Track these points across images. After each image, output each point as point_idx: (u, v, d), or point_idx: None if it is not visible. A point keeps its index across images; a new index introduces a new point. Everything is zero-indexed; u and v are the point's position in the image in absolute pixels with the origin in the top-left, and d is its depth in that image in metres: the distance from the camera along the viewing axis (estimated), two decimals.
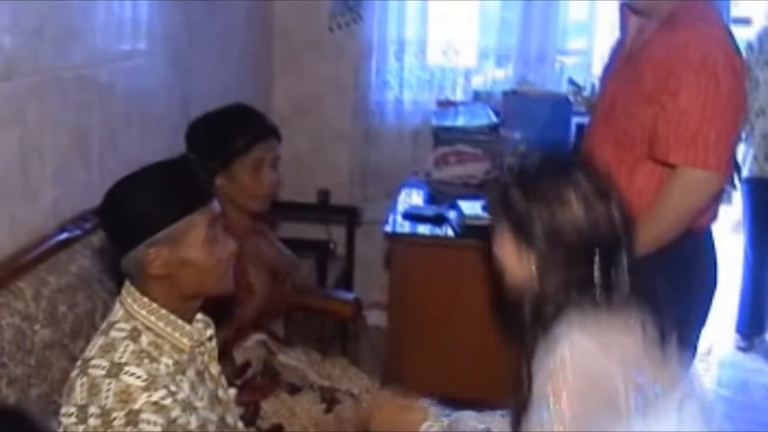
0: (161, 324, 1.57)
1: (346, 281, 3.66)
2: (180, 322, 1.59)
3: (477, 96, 3.85)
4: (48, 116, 2.16)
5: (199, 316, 1.68)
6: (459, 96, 3.90)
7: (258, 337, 2.35)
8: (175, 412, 1.50)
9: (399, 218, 2.99)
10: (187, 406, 1.54)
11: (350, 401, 2.24)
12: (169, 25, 2.93)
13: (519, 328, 1.52)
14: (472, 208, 2.85)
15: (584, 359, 1.39)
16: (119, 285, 1.67)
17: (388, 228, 2.91)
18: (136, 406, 1.46)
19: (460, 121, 3.69)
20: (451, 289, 2.73)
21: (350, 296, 2.82)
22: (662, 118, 2.06)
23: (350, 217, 3.67)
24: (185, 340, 1.60)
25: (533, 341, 1.46)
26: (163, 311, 1.58)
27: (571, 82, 3.67)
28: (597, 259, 1.46)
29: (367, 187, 3.99)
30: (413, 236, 2.89)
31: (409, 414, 1.73)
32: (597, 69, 3.66)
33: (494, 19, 3.86)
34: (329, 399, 2.21)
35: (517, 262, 1.52)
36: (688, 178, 2.06)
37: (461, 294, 2.72)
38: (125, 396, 1.47)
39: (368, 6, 3.81)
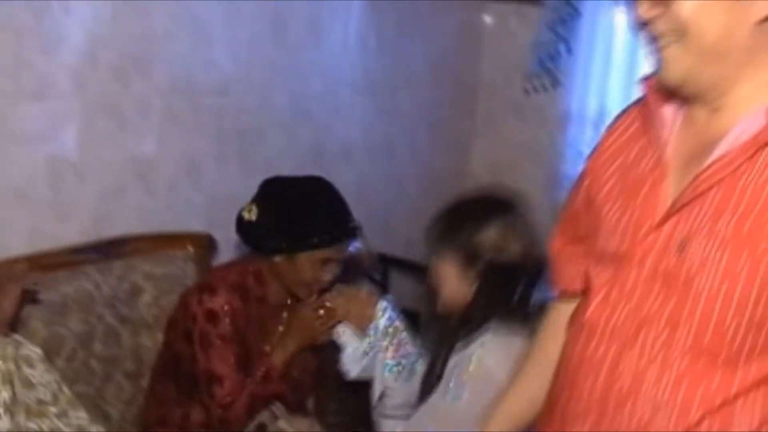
0: None
1: None
2: None
3: None
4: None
5: None
6: None
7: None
8: None
9: None
10: None
11: None
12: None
13: (443, 332, 1.83)
14: None
15: (495, 365, 1.67)
16: None
17: None
18: None
19: None
20: None
21: None
22: None
23: None
24: None
25: (454, 341, 1.76)
26: None
27: None
28: (523, 283, 1.78)
29: None
30: None
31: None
32: None
33: None
34: None
35: (456, 284, 1.80)
36: None
37: None
38: None
39: (569, 71, 3.43)
